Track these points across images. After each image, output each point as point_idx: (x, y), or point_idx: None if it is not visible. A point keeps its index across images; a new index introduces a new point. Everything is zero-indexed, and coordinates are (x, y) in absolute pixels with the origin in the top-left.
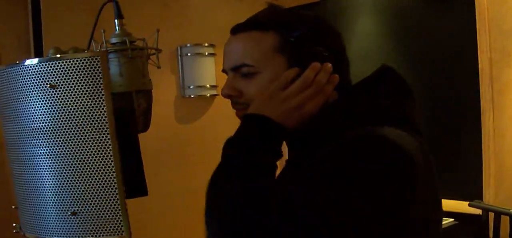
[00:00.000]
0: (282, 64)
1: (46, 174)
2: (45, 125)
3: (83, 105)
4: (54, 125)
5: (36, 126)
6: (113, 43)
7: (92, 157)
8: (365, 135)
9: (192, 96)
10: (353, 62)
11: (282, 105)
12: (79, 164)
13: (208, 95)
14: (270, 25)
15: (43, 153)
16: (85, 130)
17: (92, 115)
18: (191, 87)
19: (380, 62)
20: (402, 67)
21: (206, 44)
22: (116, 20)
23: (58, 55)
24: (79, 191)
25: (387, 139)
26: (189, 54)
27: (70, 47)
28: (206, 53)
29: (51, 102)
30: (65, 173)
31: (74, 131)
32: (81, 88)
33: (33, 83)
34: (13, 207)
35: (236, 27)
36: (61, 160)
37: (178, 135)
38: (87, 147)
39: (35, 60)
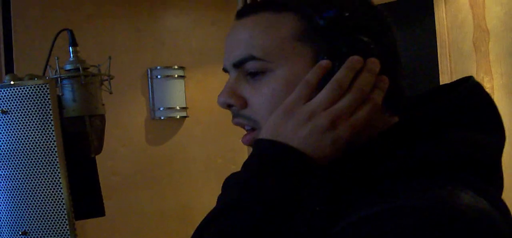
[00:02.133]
0: (305, 58)
1: (1, 194)
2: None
3: (33, 130)
4: (7, 148)
5: None
6: (67, 70)
7: (42, 179)
8: (441, 210)
9: (162, 118)
10: None
11: (306, 126)
12: (30, 185)
13: (177, 117)
14: (289, 3)
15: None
16: (35, 153)
17: (41, 139)
18: (161, 109)
19: None
20: None
21: (176, 67)
22: (70, 48)
23: (12, 82)
24: (30, 211)
25: (479, 223)
26: (159, 76)
27: (26, 74)
28: (176, 76)
29: (3, 127)
30: (17, 194)
31: (25, 154)
32: (31, 114)
33: None
34: None
35: (242, 9)
36: (13, 181)
37: (148, 156)
38: (37, 169)
39: None
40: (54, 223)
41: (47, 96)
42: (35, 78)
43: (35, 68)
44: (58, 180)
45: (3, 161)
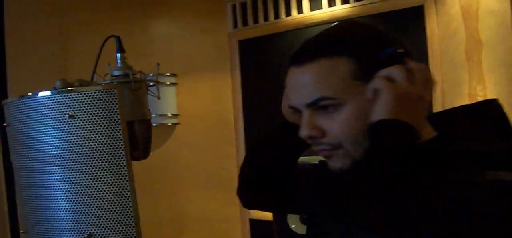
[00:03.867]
0: (362, 92)
1: (61, 198)
2: (60, 152)
3: (100, 133)
4: (70, 152)
5: (52, 154)
6: (115, 76)
7: (108, 182)
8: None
9: (154, 125)
10: None
11: (419, 108)
12: (96, 188)
13: (169, 123)
14: (339, 49)
15: (58, 179)
16: (102, 157)
17: (109, 143)
18: (153, 116)
19: None
20: None
21: (168, 74)
22: (118, 54)
23: (76, 87)
24: (96, 214)
25: None
26: (151, 83)
27: (76, 79)
28: (168, 83)
29: (68, 131)
30: (83, 197)
31: (91, 158)
32: (98, 118)
33: (50, 113)
34: (21, 231)
35: (298, 57)
36: (76, 185)
37: (140, 163)
38: (103, 172)
39: (48, 92)
40: (120, 226)
41: (115, 101)
42: (87, 83)
43: (32, 76)
44: (126, 183)
45: (71, 164)
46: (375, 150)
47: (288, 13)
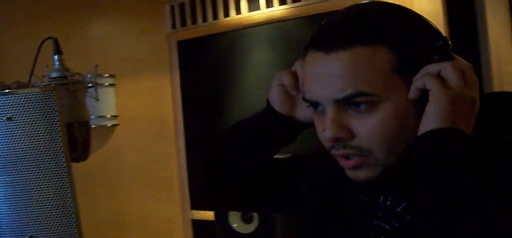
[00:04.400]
0: (401, 88)
1: (6, 200)
2: None
3: (39, 136)
4: (8, 154)
5: None
6: (53, 78)
7: (49, 184)
8: None
9: (93, 126)
10: (250, 92)
11: (473, 113)
12: (36, 191)
13: (109, 125)
14: (378, 36)
15: None
16: (41, 159)
17: (48, 145)
18: (92, 117)
19: None
20: None
21: (107, 75)
22: (55, 56)
23: (13, 89)
24: (36, 216)
25: None
26: (89, 85)
27: (13, 81)
28: (107, 84)
29: (6, 134)
30: (22, 199)
31: (30, 160)
32: (37, 120)
33: None
34: None
35: (327, 41)
36: (15, 187)
37: (81, 165)
38: (43, 174)
39: None
40: (61, 228)
41: (53, 103)
42: (24, 85)
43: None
44: (66, 185)
45: (8, 167)
46: (429, 165)
47: (227, 14)
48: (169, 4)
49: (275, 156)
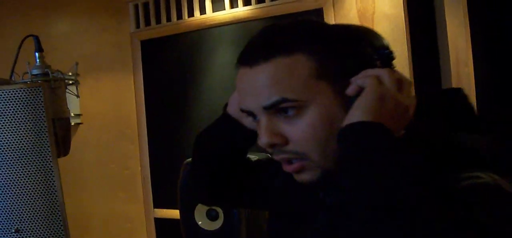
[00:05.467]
0: (327, 92)
1: None
2: None
3: (26, 131)
4: None
5: None
6: (34, 75)
7: (35, 178)
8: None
9: None
10: (214, 92)
11: (402, 120)
12: (22, 185)
13: (72, 123)
14: (297, 45)
15: None
16: (28, 154)
17: (35, 140)
18: None
19: None
20: None
21: (70, 73)
22: (36, 53)
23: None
24: (23, 210)
25: None
26: (71, 82)
27: None
28: (70, 82)
29: None
30: (8, 193)
31: (17, 155)
32: (23, 116)
33: None
34: None
35: (249, 57)
36: (5, 181)
37: None
38: (30, 169)
39: None
40: (47, 220)
41: (40, 99)
42: (6, 82)
43: None
44: (53, 179)
45: None
46: (347, 158)
47: (191, 14)
48: (132, 3)
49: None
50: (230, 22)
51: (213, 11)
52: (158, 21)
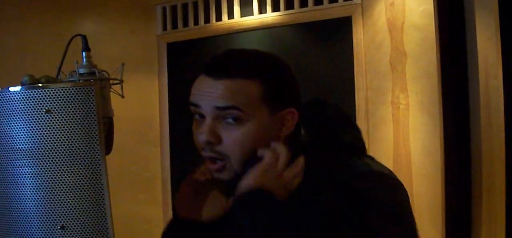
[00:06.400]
0: (265, 114)
1: (30, 191)
2: (33, 146)
3: (77, 129)
4: (50, 145)
5: (23, 148)
6: (81, 74)
7: (84, 176)
8: (366, 174)
9: None
10: None
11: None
12: (71, 182)
13: None
14: (253, 73)
15: (28, 172)
16: (78, 151)
17: (85, 138)
18: None
19: None
20: None
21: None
22: (84, 52)
23: (51, 83)
24: (70, 207)
25: (390, 175)
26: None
27: (42, 75)
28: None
29: (43, 126)
30: (57, 189)
31: (67, 152)
32: (75, 114)
33: (23, 108)
34: None
35: (216, 70)
36: (55, 177)
37: None
38: (79, 167)
39: (17, 87)
40: (93, 219)
41: (92, 98)
42: (54, 80)
43: None
44: (100, 178)
45: (46, 158)
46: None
47: (219, 18)
48: (160, 6)
49: None
50: (257, 28)
51: (241, 16)
52: (186, 24)
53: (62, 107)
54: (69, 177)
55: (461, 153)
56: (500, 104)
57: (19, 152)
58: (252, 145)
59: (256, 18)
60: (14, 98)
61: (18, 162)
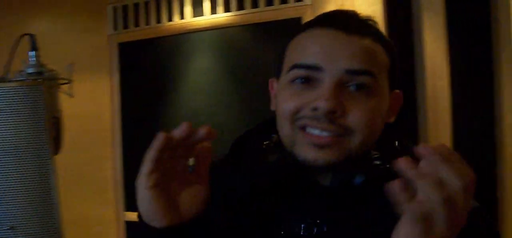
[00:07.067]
0: (387, 91)
1: None
2: None
3: (25, 128)
4: None
5: None
6: (29, 73)
7: (32, 176)
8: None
9: None
10: (190, 97)
11: None
12: (18, 182)
13: None
14: (381, 39)
15: None
16: (26, 151)
17: (33, 137)
18: None
19: (216, 96)
20: (236, 101)
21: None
22: (32, 52)
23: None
24: (18, 207)
25: None
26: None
27: None
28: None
29: None
30: (4, 190)
31: (14, 151)
32: (23, 113)
33: None
34: None
35: (346, 24)
36: (1, 177)
37: None
38: (27, 166)
39: None
40: (43, 219)
41: (40, 97)
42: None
43: None
44: (48, 178)
45: None
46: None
47: (170, 18)
48: (112, 6)
49: None
50: (209, 28)
51: (193, 17)
52: (137, 24)
53: (9, 107)
54: (17, 177)
55: None
56: (447, 104)
57: None
58: (378, 125)
59: (207, 19)
60: None
61: None
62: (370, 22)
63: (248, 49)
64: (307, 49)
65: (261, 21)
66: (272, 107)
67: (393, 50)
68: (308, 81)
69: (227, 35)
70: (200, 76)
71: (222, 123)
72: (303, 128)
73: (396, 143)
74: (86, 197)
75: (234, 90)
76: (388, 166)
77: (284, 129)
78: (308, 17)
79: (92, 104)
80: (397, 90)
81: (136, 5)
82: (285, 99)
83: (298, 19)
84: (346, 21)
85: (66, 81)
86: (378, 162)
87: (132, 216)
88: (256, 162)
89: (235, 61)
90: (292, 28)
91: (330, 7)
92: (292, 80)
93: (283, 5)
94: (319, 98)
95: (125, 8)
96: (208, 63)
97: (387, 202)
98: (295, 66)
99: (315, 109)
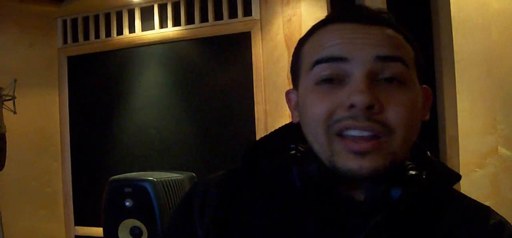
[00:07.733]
0: (418, 84)
1: None
2: None
3: None
4: None
5: None
6: None
7: None
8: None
9: None
10: (139, 110)
11: None
12: None
13: None
14: (405, 33)
15: None
16: None
17: None
18: None
19: (165, 110)
20: (185, 114)
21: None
22: None
23: None
24: None
25: None
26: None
27: None
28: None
29: None
30: None
31: None
32: None
33: None
34: None
35: (360, 16)
36: None
37: None
38: None
39: None
40: None
41: None
42: None
43: None
44: None
45: None
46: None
47: (120, 32)
48: (61, 19)
49: None
50: (159, 42)
51: (142, 30)
52: (87, 37)
53: None
54: None
55: None
56: None
57: None
58: (417, 124)
59: (157, 33)
60: None
61: None
62: (388, 14)
63: (198, 63)
64: (326, 43)
65: (210, 35)
66: (294, 120)
67: (415, 42)
68: (334, 80)
69: (176, 49)
70: (149, 90)
71: (172, 136)
72: (339, 134)
73: (428, 152)
74: (35, 212)
75: (183, 103)
76: (424, 176)
77: (319, 137)
78: (256, 31)
79: (41, 118)
80: (425, 86)
81: (86, 18)
82: (313, 103)
83: (247, 34)
84: (363, 13)
85: (9, 97)
86: (413, 172)
87: (83, 230)
88: (285, 174)
89: (185, 75)
90: (240, 42)
91: (278, 21)
92: (317, 82)
93: (232, 20)
94: (353, 93)
95: (74, 21)
96: (158, 77)
97: (433, 220)
98: (317, 63)
99: (351, 106)
